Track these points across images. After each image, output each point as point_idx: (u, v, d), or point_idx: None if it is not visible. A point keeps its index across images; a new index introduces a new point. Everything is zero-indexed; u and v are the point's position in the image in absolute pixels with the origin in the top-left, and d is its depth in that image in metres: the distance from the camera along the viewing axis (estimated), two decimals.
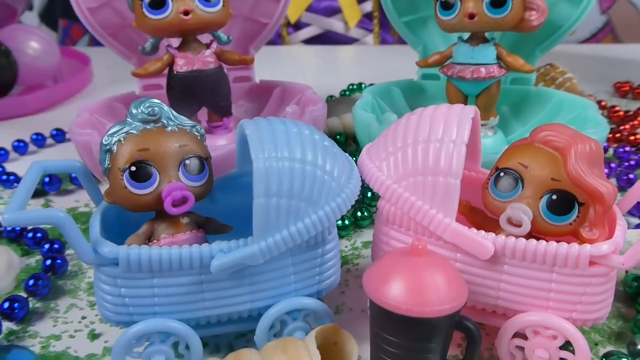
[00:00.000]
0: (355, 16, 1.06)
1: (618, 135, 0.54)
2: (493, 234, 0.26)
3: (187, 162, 0.27)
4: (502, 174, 0.27)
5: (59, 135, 0.59)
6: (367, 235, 0.41)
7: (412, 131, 0.28)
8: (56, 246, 0.37)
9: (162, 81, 0.47)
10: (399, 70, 0.53)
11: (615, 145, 0.53)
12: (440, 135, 0.27)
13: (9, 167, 0.53)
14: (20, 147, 0.55)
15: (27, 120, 0.66)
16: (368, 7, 1.06)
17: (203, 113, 0.47)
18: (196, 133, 0.29)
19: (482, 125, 0.47)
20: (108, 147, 0.27)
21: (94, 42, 0.45)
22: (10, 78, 0.67)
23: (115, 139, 0.27)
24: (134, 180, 0.26)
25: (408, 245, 0.26)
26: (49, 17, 1.31)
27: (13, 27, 0.71)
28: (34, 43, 0.70)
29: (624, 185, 0.46)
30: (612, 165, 0.47)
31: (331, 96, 0.68)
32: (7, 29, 0.70)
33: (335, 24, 1.07)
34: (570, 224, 0.26)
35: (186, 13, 0.41)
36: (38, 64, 0.70)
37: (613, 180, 0.47)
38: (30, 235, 0.38)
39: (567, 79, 0.63)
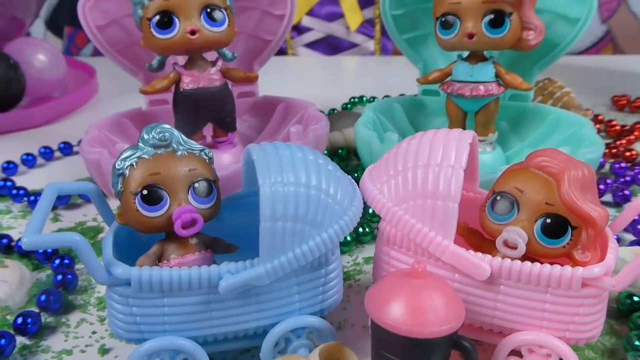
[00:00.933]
0: (356, 20, 1.07)
1: (614, 150, 0.55)
2: (490, 256, 0.27)
3: (196, 185, 0.28)
4: (498, 197, 0.28)
5: (67, 148, 0.60)
6: (368, 250, 0.42)
7: (412, 155, 0.29)
8: (66, 261, 0.39)
9: (169, 97, 0.49)
10: (401, 82, 0.54)
11: (612, 160, 0.54)
12: (439, 160, 0.28)
13: (18, 180, 0.54)
14: (29, 161, 0.57)
15: (34, 133, 0.67)
16: (370, 13, 1.08)
17: (208, 128, 0.48)
18: (205, 157, 0.30)
19: (481, 141, 0.48)
20: (121, 171, 0.28)
21: (99, 52, 0.46)
22: (18, 91, 0.68)
23: (127, 163, 0.28)
24: (146, 203, 0.27)
25: (408, 267, 0.27)
26: (54, 25, 1.32)
27: (21, 40, 0.72)
28: (41, 56, 0.71)
29: (620, 202, 0.47)
30: (608, 181, 0.48)
31: (333, 109, 0.69)
32: (15, 42, 0.72)
33: (337, 29, 1.09)
34: (564, 246, 0.27)
35: (193, 33, 0.42)
36: (45, 76, 0.72)
37: (609, 196, 0.48)
38: (41, 250, 0.39)
39: (565, 93, 0.64)
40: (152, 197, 0.27)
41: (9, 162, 0.55)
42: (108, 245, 0.28)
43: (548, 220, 0.27)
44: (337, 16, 1.09)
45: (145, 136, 0.28)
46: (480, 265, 0.27)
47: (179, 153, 0.29)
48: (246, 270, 0.26)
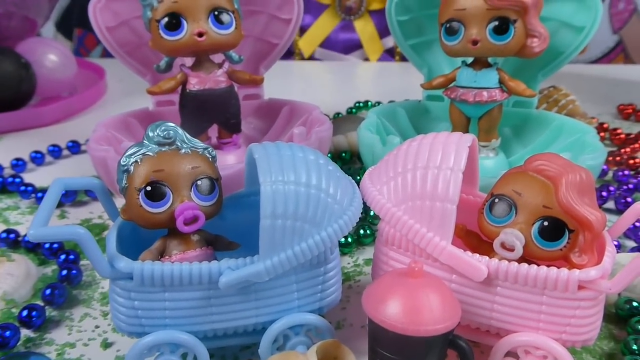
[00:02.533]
0: (376, 51, 1.03)
1: (618, 158, 0.55)
2: (487, 257, 0.27)
3: (199, 182, 0.29)
4: (496, 200, 0.28)
5: (75, 147, 0.61)
6: (369, 252, 0.42)
7: (412, 157, 0.30)
8: (72, 257, 0.39)
9: (175, 97, 0.49)
10: (407, 87, 0.54)
11: (615, 168, 0.54)
12: (439, 162, 0.29)
13: (27, 177, 0.55)
14: (38, 158, 0.58)
15: (44, 131, 0.68)
16: (390, 42, 1.03)
17: (213, 129, 0.48)
18: (208, 155, 0.30)
19: (484, 146, 0.48)
20: (125, 167, 0.28)
21: (107, 53, 0.47)
22: (29, 90, 0.69)
23: (132, 160, 0.28)
24: (149, 199, 0.28)
25: (405, 266, 0.27)
26: (64, 27, 1.34)
27: (32, 40, 0.74)
28: (52, 56, 0.73)
29: (622, 209, 0.47)
30: (611, 188, 0.48)
31: (338, 113, 0.70)
32: (27, 41, 0.73)
33: (353, 62, 1.04)
34: (561, 249, 0.27)
35: (200, 35, 0.42)
36: (55, 76, 0.73)
37: (611, 203, 0.48)
38: (47, 245, 0.40)
39: (570, 101, 0.65)
40: (155, 193, 0.28)
41: (18, 159, 0.56)
42: (112, 239, 0.28)
43: (545, 223, 0.27)
44: (355, 46, 1.04)
45: (150, 134, 0.29)
46: (477, 266, 0.27)
47: (183, 151, 0.29)
48: (246, 267, 0.27)
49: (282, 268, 0.27)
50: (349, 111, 0.72)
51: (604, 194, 0.48)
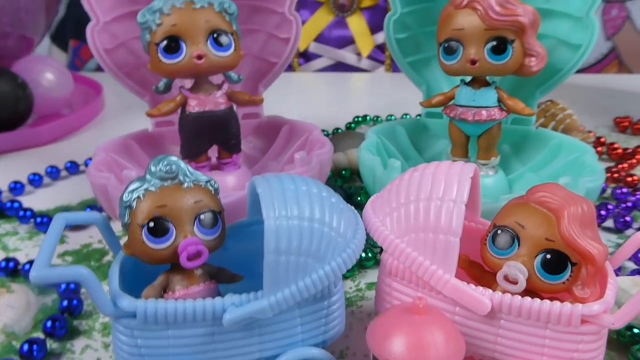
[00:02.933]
0: (368, 45, 1.07)
1: (616, 175, 0.55)
2: (490, 290, 0.27)
3: (202, 217, 0.29)
4: (499, 231, 0.29)
5: (73, 168, 0.60)
6: (371, 275, 0.42)
7: (415, 188, 0.30)
8: (72, 287, 0.39)
9: (175, 118, 0.49)
10: (405, 99, 0.54)
11: (614, 185, 0.54)
12: (441, 194, 0.29)
13: (25, 200, 0.55)
14: (36, 180, 0.57)
15: (41, 151, 0.68)
16: (380, 38, 1.06)
17: (213, 149, 0.48)
18: (210, 188, 0.30)
19: (483, 164, 0.48)
20: (128, 203, 0.28)
21: None
22: (26, 110, 0.69)
23: (134, 195, 0.28)
24: (152, 235, 0.28)
25: (410, 300, 0.27)
26: (59, 38, 1.33)
27: (28, 59, 0.73)
28: (48, 74, 0.72)
29: (621, 228, 0.47)
30: (610, 207, 0.48)
31: (337, 129, 0.70)
32: (23, 60, 0.73)
33: (347, 56, 1.08)
34: (564, 282, 0.27)
35: (199, 57, 0.42)
36: (52, 94, 0.73)
37: (610, 222, 0.48)
38: None
39: (567, 115, 0.65)
40: (158, 229, 0.28)
41: (16, 182, 0.56)
42: (114, 276, 0.28)
43: (548, 256, 0.27)
44: (348, 42, 1.08)
45: (153, 168, 0.29)
46: (480, 300, 0.27)
47: (185, 185, 0.29)
48: (250, 303, 0.27)
49: (286, 304, 0.27)
50: (348, 126, 0.72)
51: (603, 212, 0.48)
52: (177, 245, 0.28)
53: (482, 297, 0.27)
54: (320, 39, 1.08)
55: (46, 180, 0.59)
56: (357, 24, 1.07)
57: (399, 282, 0.30)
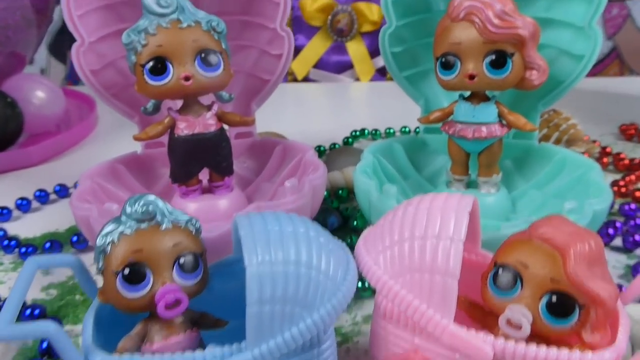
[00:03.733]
0: (368, 72, 1.04)
1: (624, 189, 0.53)
2: (492, 336, 0.25)
3: (182, 260, 0.27)
4: (500, 270, 0.27)
5: (62, 191, 0.59)
6: (368, 307, 0.40)
7: (409, 225, 0.28)
8: None
9: (165, 139, 0.47)
10: (401, 108, 0.52)
11: (621, 201, 0.52)
12: (437, 231, 0.27)
13: (12, 226, 0.53)
14: (23, 205, 0.56)
15: (32, 172, 0.66)
16: (381, 61, 1.03)
17: (204, 172, 0.46)
18: (191, 228, 0.28)
19: (485, 182, 0.47)
20: (102, 248, 0.27)
21: None
22: (16, 130, 0.67)
23: (108, 239, 0.26)
24: (127, 282, 0.26)
25: (406, 346, 0.25)
26: (57, 50, 1.33)
27: (19, 77, 0.72)
28: (39, 92, 0.71)
29: (630, 247, 0.45)
30: (618, 224, 0.46)
31: (334, 144, 0.68)
32: (13, 78, 0.71)
33: (346, 81, 1.05)
34: (571, 326, 0.25)
35: (187, 79, 0.41)
36: (43, 112, 0.71)
37: (618, 240, 0.46)
38: (27, 313, 0.38)
39: (571, 125, 0.63)
40: (134, 276, 0.26)
41: (2, 208, 0.54)
42: (88, 327, 0.26)
43: (554, 299, 0.25)
44: (346, 66, 1.04)
45: (128, 209, 0.27)
46: (482, 347, 0.25)
47: (164, 226, 0.27)
48: (232, 357, 0.25)
49: (271, 357, 0.25)
50: (345, 141, 0.70)
51: (611, 231, 0.46)
52: (154, 293, 0.26)
53: (483, 344, 0.25)
54: (317, 64, 1.05)
55: (35, 204, 0.58)
56: (356, 49, 1.04)
57: (395, 325, 0.28)
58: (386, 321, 0.28)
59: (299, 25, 1.03)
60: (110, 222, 0.27)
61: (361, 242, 0.30)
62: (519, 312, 0.25)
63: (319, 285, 0.26)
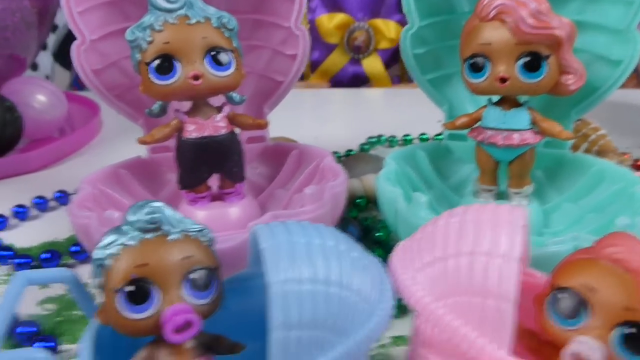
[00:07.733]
0: (385, 86, 1.04)
1: None
2: None
3: (193, 276, 0.24)
4: (561, 294, 0.23)
5: (62, 198, 0.56)
6: (398, 327, 0.35)
7: (454, 239, 0.24)
8: (51, 344, 0.34)
9: (171, 143, 0.44)
10: (424, 116, 0.50)
11: None
12: (487, 247, 0.23)
13: (8, 235, 0.50)
14: (20, 213, 0.52)
15: (31, 178, 0.63)
16: (396, 71, 1.03)
17: (214, 179, 0.43)
18: (203, 239, 0.25)
19: (516, 194, 0.43)
20: (101, 262, 0.23)
21: None
22: (15, 134, 0.64)
23: (108, 252, 0.23)
24: (131, 302, 0.23)
25: None
26: (62, 57, 1.31)
27: (18, 80, 0.69)
28: (40, 96, 0.68)
29: None
30: None
31: (350, 150, 0.65)
32: (13, 82, 0.68)
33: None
34: None
35: (196, 78, 0.38)
36: (44, 117, 0.68)
37: None
38: (20, 330, 0.35)
39: (601, 136, 0.59)
40: (137, 294, 0.23)
41: None
42: (85, 353, 0.23)
43: (631, 331, 0.21)
44: (363, 80, 1.04)
45: (131, 218, 0.23)
46: None
47: (172, 237, 0.24)
48: None
49: None
50: (361, 148, 0.67)
51: None
52: (162, 315, 0.23)
53: None
54: (334, 77, 1.05)
55: (33, 212, 0.54)
56: (373, 66, 1.04)
57: (437, 354, 0.24)
58: (427, 350, 0.25)
59: (315, 42, 1.04)
60: (111, 232, 0.24)
61: (395, 259, 0.27)
62: (588, 346, 0.22)
63: (352, 307, 0.22)
